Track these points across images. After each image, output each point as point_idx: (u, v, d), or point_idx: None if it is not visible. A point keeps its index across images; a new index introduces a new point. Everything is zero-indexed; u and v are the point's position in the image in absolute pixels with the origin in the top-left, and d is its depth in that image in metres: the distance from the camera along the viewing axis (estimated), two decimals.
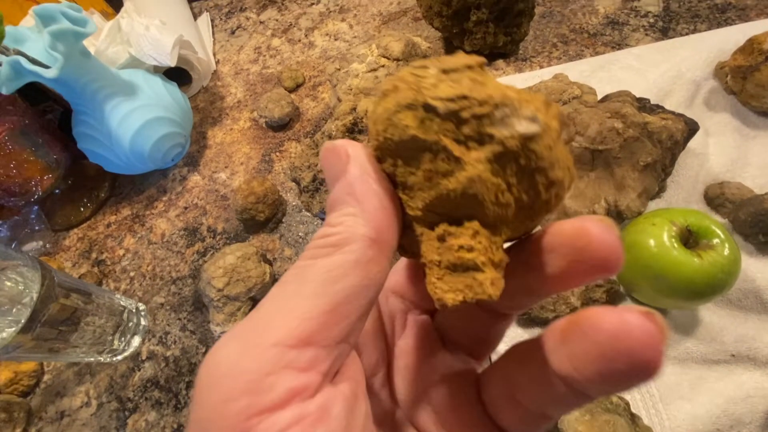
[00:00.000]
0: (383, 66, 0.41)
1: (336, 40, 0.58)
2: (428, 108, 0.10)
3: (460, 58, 0.11)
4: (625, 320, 0.08)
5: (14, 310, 0.34)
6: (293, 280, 0.10)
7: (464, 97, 0.10)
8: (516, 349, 0.12)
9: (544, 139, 0.10)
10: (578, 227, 0.10)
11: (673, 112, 0.33)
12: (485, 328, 0.14)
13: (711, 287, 0.27)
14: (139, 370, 0.40)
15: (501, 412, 0.12)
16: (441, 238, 0.11)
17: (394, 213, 0.11)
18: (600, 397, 0.09)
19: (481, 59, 0.11)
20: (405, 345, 0.14)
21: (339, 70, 0.42)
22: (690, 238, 0.28)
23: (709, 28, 0.45)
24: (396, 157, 0.11)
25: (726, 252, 0.27)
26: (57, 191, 0.49)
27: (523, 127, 0.10)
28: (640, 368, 0.08)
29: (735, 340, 0.30)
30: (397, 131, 0.11)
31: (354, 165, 0.11)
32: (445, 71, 0.10)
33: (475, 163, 0.10)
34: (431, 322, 0.15)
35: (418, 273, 0.15)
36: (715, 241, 0.27)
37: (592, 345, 0.09)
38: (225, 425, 0.09)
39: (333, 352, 0.10)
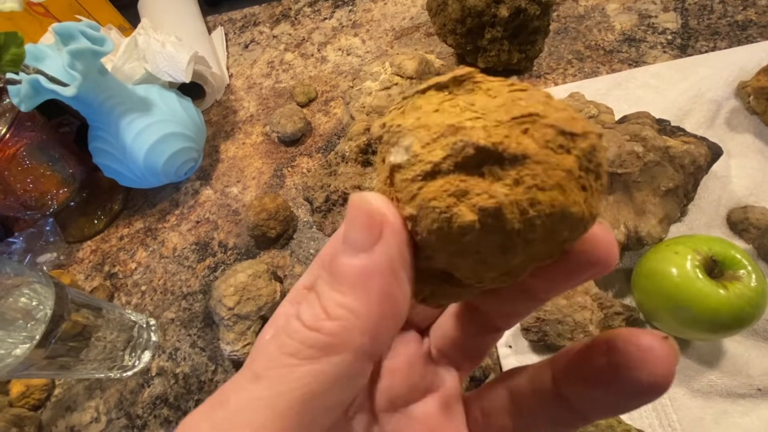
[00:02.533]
0: (396, 84, 0.41)
1: (348, 55, 0.58)
2: None
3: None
4: None
5: (28, 326, 0.34)
6: (266, 378, 0.09)
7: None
8: (507, 377, 0.13)
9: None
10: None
11: (695, 136, 0.32)
12: (476, 340, 0.14)
13: (736, 320, 0.26)
14: (149, 386, 0.40)
15: None
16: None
17: (401, 320, 0.10)
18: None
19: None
20: (392, 364, 0.14)
21: (352, 87, 0.42)
22: (715, 268, 0.27)
23: (730, 46, 0.44)
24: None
25: (753, 284, 0.26)
26: (72, 204, 0.50)
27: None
28: None
29: (761, 373, 0.29)
30: None
31: (383, 249, 0.09)
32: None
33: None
34: (419, 339, 0.15)
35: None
36: (742, 272, 0.26)
37: None
38: None
39: None
